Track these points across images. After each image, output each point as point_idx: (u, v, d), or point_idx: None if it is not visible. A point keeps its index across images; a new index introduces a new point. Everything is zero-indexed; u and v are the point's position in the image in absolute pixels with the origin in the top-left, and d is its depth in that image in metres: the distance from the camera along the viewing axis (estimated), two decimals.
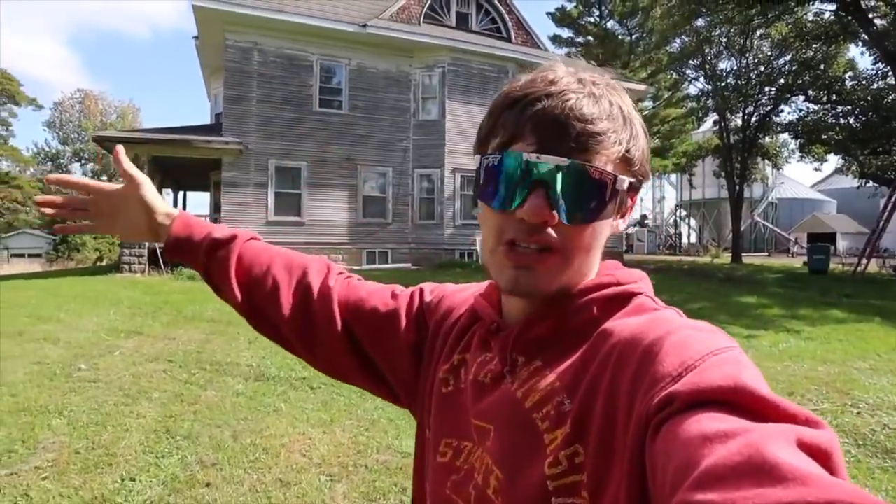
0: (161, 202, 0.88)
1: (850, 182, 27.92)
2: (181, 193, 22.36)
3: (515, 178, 0.56)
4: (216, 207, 16.57)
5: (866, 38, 16.66)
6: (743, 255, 22.95)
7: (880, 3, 16.80)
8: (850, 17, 16.70)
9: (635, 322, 0.55)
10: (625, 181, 0.58)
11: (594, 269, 0.63)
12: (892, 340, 6.94)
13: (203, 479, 3.21)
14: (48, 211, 0.88)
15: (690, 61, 21.89)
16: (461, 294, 0.79)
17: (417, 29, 15.25)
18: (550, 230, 0.56)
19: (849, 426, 4.05)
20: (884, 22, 16.87)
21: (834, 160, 24.61)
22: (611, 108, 0.57)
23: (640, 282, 0.63)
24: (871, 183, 19.46)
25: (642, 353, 0.49)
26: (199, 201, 66.23)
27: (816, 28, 18.26)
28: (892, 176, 17.31)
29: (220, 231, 0.89)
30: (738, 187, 21.72)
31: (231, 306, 0.88)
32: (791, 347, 6.55)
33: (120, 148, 0.86)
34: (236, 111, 13.95)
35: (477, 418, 0.63)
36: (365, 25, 14.36)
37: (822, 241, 21.17)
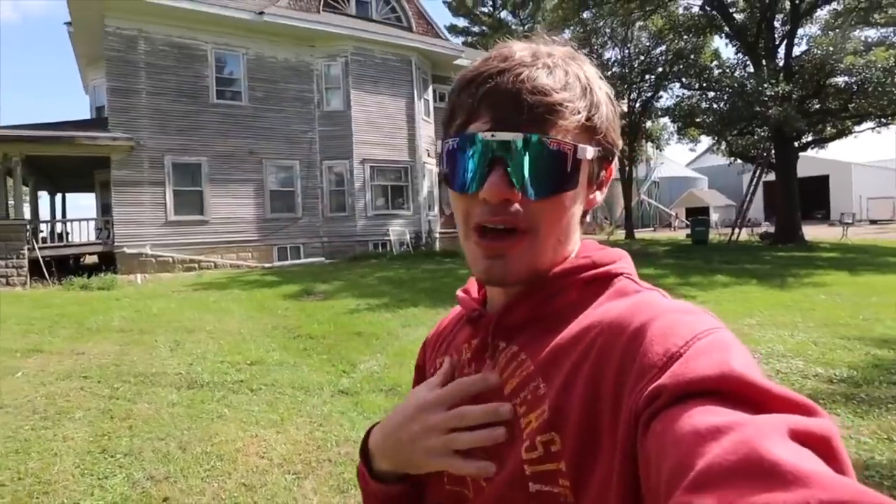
0: None
1: (719, 160, 31.16)
2: (59, 196, 20.10)
3: (473, 159, 0.56)
4: (104, 209, 15.17)
5: (728, 30, 18.62)
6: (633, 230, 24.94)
7: (739, 0, 18.85)
8: (713, 12, 18.58)
9: (617, 307, 0.54)
10: (587, 150, 0.56)
11: (572, 246, 0.62)
12: (770, 299, 7.96)
13: (158, 495, 3.06)
14: None
15: (583, 50, 23.12)
16: (450, 314, 0.80)
17: (317, 17, 14.82)
18: (517, 207, 0.55)
19: None
20: (742, 16, 18.96)
21: (706, 141, 27.35)
22: (566, 77, 0.56)
23: (620, 261, 0.62)
24: (738, 161, 21.84)
25: (626, 342, 0.48)
26: (80, 203, 59.48)
27: (687, 21, 20.11)
28: (755, 154, 19.59)
29: None
30: (627, 168, 23.52)
31: None
32: None
33: None
34: (123, 104, 12.81)
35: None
36: (262, 13, 13.71)
37: (698, 215, 23.55)
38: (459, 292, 0.72)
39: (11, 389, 4.80)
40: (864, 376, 4.41)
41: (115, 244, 12.67)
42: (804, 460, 0.33)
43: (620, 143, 0.61)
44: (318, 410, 4.26)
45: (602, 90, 0.59)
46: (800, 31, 18.25)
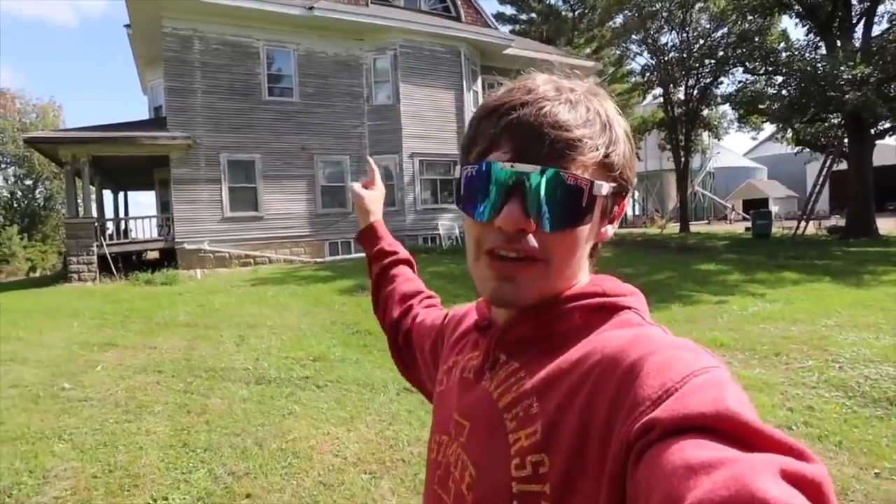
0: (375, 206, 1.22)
1: (779, 149, 29.53)
2: (122, 194, 21.05)
3: (491, 187, 0.57)
4: (164, 207, 15.75)
5: (799, 9, 17.38)
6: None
7: None
8: None
9: (618, 338, 0.54)
10: (603, 186, 0.57)
11: (579, 276, 0.63)
12: (847, 297, 7.41)
13: (240, 491, 3.09)
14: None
15: (633, 36, 22.38)
16: (470, 306, 0.83)
17: (366, 10, 14.84)
18: (530, 238, 0.57)
19: (836, 380, 4.27)
20: None
21: (769, 129, 25.95)
22: (587, 113, 0.57)
23: (631, 296, 0.62)
24: (805, 150, 20.52)
25: (623, 374, 0.48)
26: (139, 200, 62.29)
27: (752, 0, 18.94)
28: (826, 142, 18.34)
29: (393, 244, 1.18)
30: (682, 159, 22.56)
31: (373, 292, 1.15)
32: (760, 311, 6.82)
33: (374, 169, 1.26)
34: (180, 104, 13.19)
35: (458, 413, 0.65)
36: (311, 8, 13.82)
37: (755, 207, 22.32)
38: (480, 300, 0.74)
39: (94, 383, 5.00)
40: None
41: (176, 240, 13.13)
42: (793, 499, 0.33)
43: (635, 180, 0.63)
44: (385, 409, 4.25)
45: (621, 127, 0.60)
46: (880, 8, 16.74)
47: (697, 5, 20.54)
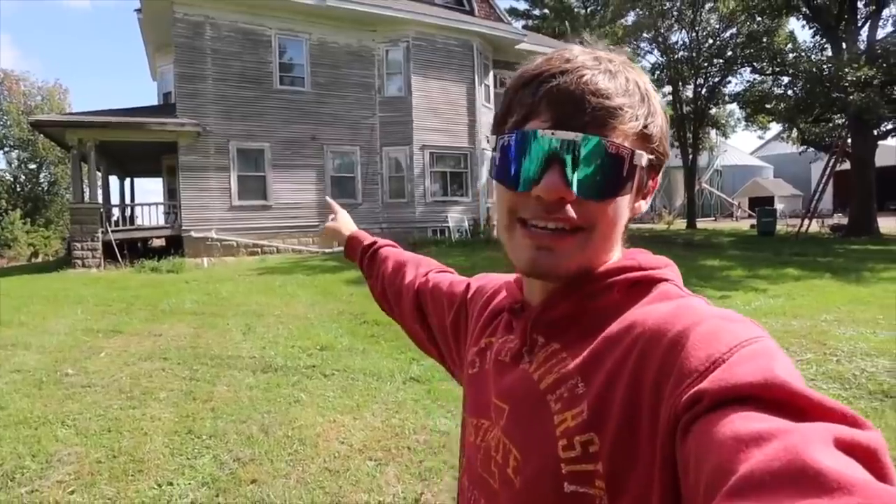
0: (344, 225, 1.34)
1: (785, 148, 29.43)
2: (128, 181, 21.08)
3: (530, 156, 0.55)
4: (171, 194, 15.75)
5: (807, 11, 17.44)
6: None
7: None
8: None
9: (660, 310, 0.53)
10: (643, 157, 0.56)
11: (615, 250, 0.61)
12: (847, 294, 7.47)
13: (246, 477, 3.05)
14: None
15: (644, 34, 22.27)
16: (499, 280, 0.81)
17: (379, 1, 14.71)
18: (569, 208, 0.55)
19: (833, 373, 4.37)
20: None
21: (775, 128, 25.85)
22: (627, 83, 0.56)
23: (666, 268, 0.61)
24: (809, 149, 20.59)
25: (668, 346, 0.47)
26: (145, 188, 62.37)
27: (761, 2, 18.94)
28: (830, 142, 18.39)
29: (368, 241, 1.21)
30: (690, 156, 22.52)
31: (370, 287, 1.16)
32: (763, 305, 6.92)
33: (334, 205, 1.38)
34: (190, 91, 13.13)
35: (497, 397, 0.64)
36: None
37: (761, 205, 22.40)
38: (510, 280, 0.73)
39: (98, 369, 4.97)
40: None
41: (183, 228, 13.11)
42: (849, 469, 0.32)
43: (670, 153, 0.61)
44: (391, 397, 4.21)
45: (656, 99, 0.59)
46: (885, 12, 17.18)
47: (707, 5, 20.54)
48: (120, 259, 12.45)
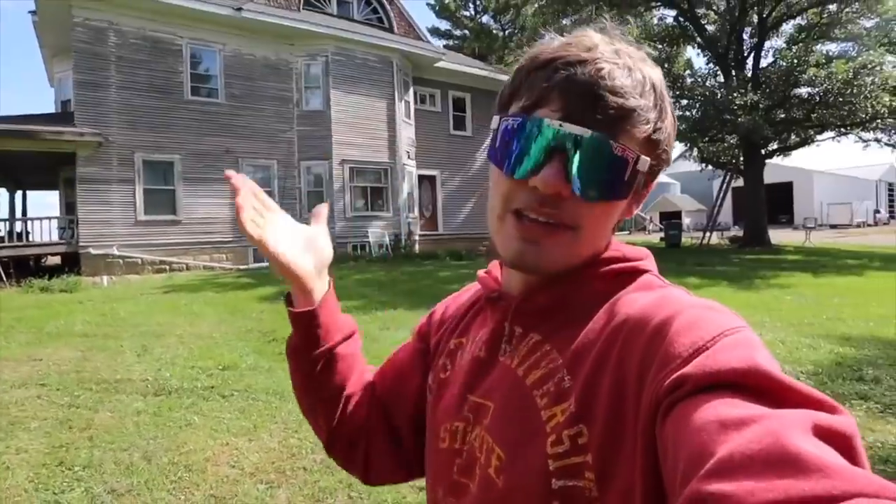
0: (324, 278, 0.75)
1: (690, 166, 31.75)
2: (19, 193, 19.32)
3: (533, 144, 0.53)
4: (69, 208, 14.61)
5: (700, 41, 19.11)
6: None
7: (710, 13, 19.38)
8: (687, 23, 19.05)
9: (643, 299, 0.54)
10: (646, 162, 0.54)
11: (605, 243, 0.61)
12: (739, 300, 8.17)
13: None
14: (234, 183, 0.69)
15: None
16: (464, 289, 0.78)
17: (297, 15, 14.57)
18: (565, 205, 0.54)
19: None
20: (713, 28, 19.48)
21: (679, 147, 27.92)
22: (644, 83, 0.54)
23: (646, 259, 0.61)
24: (709, 167, 22.40)
25: (651, 333, 0.48)
26: (45, 201, 57.64)
27: (661, 31, 20.60)
28: (725, 160, 20.14)
29: (348, 333, 0.76)
30: None
31: (310, 405, 0.77)
32: None
33: (323, 211, 0.79)
34: (91, 99, 12.32)
35: (477, 395, 0.61)
36: (240, 9, 13.38)
37: (671, 219, 24.09)
38: (481, 272, 0.70)
39: None
40: (828, 373, 4.57)
41: (80, 244, 12.17)
42: (826, 454, 0.33)
43: (671, 160, 0.60)
44: (293, 416, 4.08)
45: (668, 102, 0.57)
46: (766, 44, 19.00)
47: (617, 32, 21.85)
48: (4, 278, 11.36)
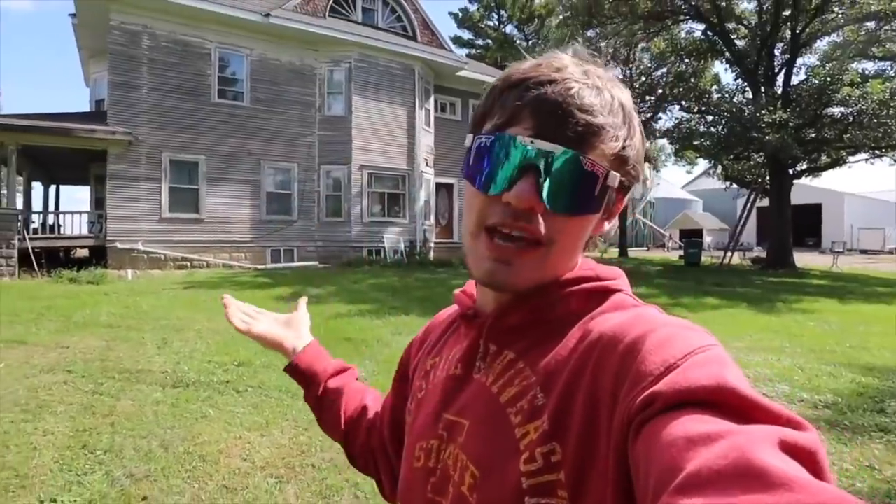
0: (304, 337, 0.97)
1: (714, 184, 31.32)
2: (53, 188, 19.98)
3: (506, 161, 0.55)
4: (98, 203, 15.08)
5: (729, 56, 18.82)
6: (627, 249, 25.03)
7: (740, 27, 19.11)
8: (716, 37, 18.80)
9: (616, 318, 0.54)
10: (616, 178, 0.56)
11: (576, 260, 0.62)
12: (760, 322, 8.00)
13: (137, 494, 3.01)
14: (225, 300, 0.99)
15: None
16: (444, 312, 0.80)
17: (323, 22, 14.88)
18: (537, 220, 0.55)
19: None
20: (743, 43, 19.18)
21: (702, 164, 27.55)
22: (612, 102, 0.56)
23: (619, 279, 0.62)
24: (733, 185, 21.96)
25: (624, 351, 0.48)
26: (75, 196, 59.08)
27: (689, 45, 20.36)
28: (750, 179, 19.71)
29: (335, 368, 0.95)
30: None
31: (328, 434, 0.95)
32: None
33: (303, 301, 1.04)
34: (123, 99, 12.76)
35: (451, 413, 0.62)
36: (268, 15, 13.74)
37: (691, 237, 23.66)
38: (457, 291, 0.72)
39: None
40: (848, 404, 4.44)
41: (108, 238, 12.58)
42: (791, 469, 0.34)
43: (642, 177, 0.61)
44: (303, 415, 4.21)
45: (637, 121, 0.59)
46: (799, 61, 18.51)
47: (641, 45, 21.74)
48: (37, 268, 11.77)
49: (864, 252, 31.92)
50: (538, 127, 0.54)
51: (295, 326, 0.96)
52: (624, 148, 0.56)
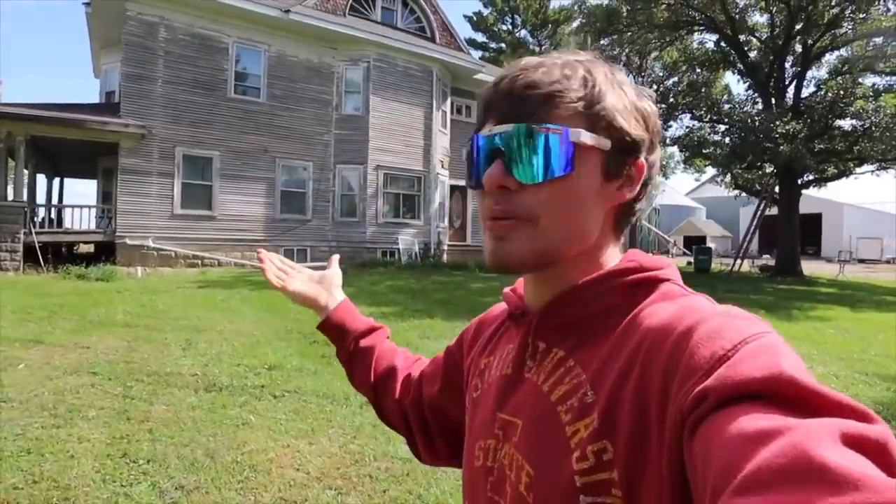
0: (335, 295, 1.00)
1: (717, 192, 31.48)
2: (57, 180, 19.67)
3: (478, 156, 0.58)
4: (105, 197, 14.82)
5: (741, 67, 18.92)
6: None
7: (752, 39, 19.20)
8: (729, 48, 18.87)
9: (664, 310, 0.53)
10: (580, 133, 0.55)
11: (587, 237, 0.59)
12: (782, 330, 7.51)
13: None
14: (260, 255, 1.02)
15: None
16: (495, 309, 0.80)
17: (343, 20, 14.69)
18: (514, 196, 0.56)
19: None
20: (755, 55, 19.28)
21: (709, 171, 27.62)
22: (563, 70, 0.56)
23: (667, 269, 0.60)
24: (742, 193, 22.10)
25: (673, 345, 0.47)
26: (75, 190, 58.57)
27: (701, 55, 20.42)
28: (760, 188, 19.81)
29: (367, 323, 0.98)
30: None
31: (358, 389, 0.98)
32: None
33: (335, 258, 1.06)
34: (137, 91, 12.51)
35: (505, 412, 0.62)
36: (288, 11, 13.54)
37: (694, 244, 23.73)
38: (507, 289, 0.72)
39: (14, 382, 4.47)
40: (891, 413, 4.35)
41: (117, 234, 12.30)
42: (856, 464, 0.32)
43: (641, 132, 0.59)
44: (348, 421, 4.00)
45: (612, 85, 0.58)
46: (809, 73, 18.88)
47: (653, 53, 21.81)
48: (42, 263, 11.48)
49: (862, 261, 32.40)
50: (497, 118, 0.58)
51: (327, 284, 1.00)
52: (589, 106, 0.56)
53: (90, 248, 14.16)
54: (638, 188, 0.61)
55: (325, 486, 3.05)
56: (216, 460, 3.28)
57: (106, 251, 12.60)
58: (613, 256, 0.62)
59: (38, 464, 3.10)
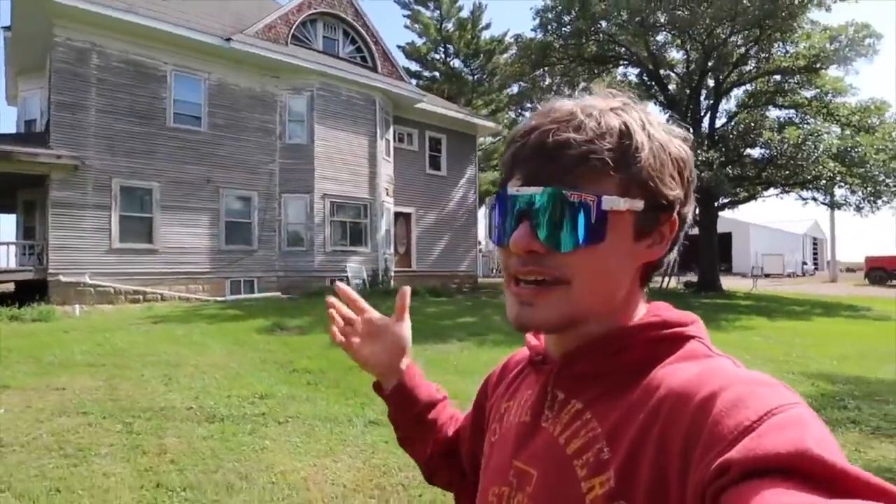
0: (409, 347, 0.91)
1: None
2: None
3: (507, 213, 0.57)
4: (27, 232, 13.81)
5: (662, 99, 20.77)
6: None
7: (671, 73, 21.12)
8: (651, 82, 20.66)
9: (687, 371, 0.52)
10: (615, 201, 0.54)
11: (616, 299, 0.59)
12: (717, 339, 7.90)
13: None
14: (331, 312, 0.92)
15: (528, 104, 24.74)
16: (519, 353, 0.79)
17: (285, 49, 14.74)
18: (544, 260, 0.56)
19: None
20: (674, 88, 21.22)
21: None
22: (598, 128, 0.55)
23: (692, 325, 0.59)
24: None
25: (696, 409, 0.46)
26: None
27: (625, 87, 22.14)
28: None
29: (434, 394, 0.92)
30: None
31: (406, 451, 0.96)
32: None
33: (407, 290, 0.93)
34: (69, 120, 11.85)
35: (521, 461, 0.62)
36: (229, 39, 13.44)
37: None
38: (529, 335, 0.71)
39: (5, 427, 4.28)
40: (818, 404, 5.10)
41: (49, 271, 11.52)
42: None
43: (677, 191, 0.58)
44: (360, 440, 4.19)
45: (650, 137, 0.57)
46: (721, 106, 20.91)
47: (582, 84, 23.35)
48: None
49: (767, 276, 35.70)
50: (524, 176, 0.57)
51: (394, 349, 0.89)
52: (625, 168, 0.55)
53: (9, 287, 13.08)
54: (669, 245, 0.60)
55: (366, 496, 3.27)
56: (252, 483, 3.39)
57: (35, 289, 11.73)
58: (638, 309, 0.61)
59: (75, 501, 3.10)
